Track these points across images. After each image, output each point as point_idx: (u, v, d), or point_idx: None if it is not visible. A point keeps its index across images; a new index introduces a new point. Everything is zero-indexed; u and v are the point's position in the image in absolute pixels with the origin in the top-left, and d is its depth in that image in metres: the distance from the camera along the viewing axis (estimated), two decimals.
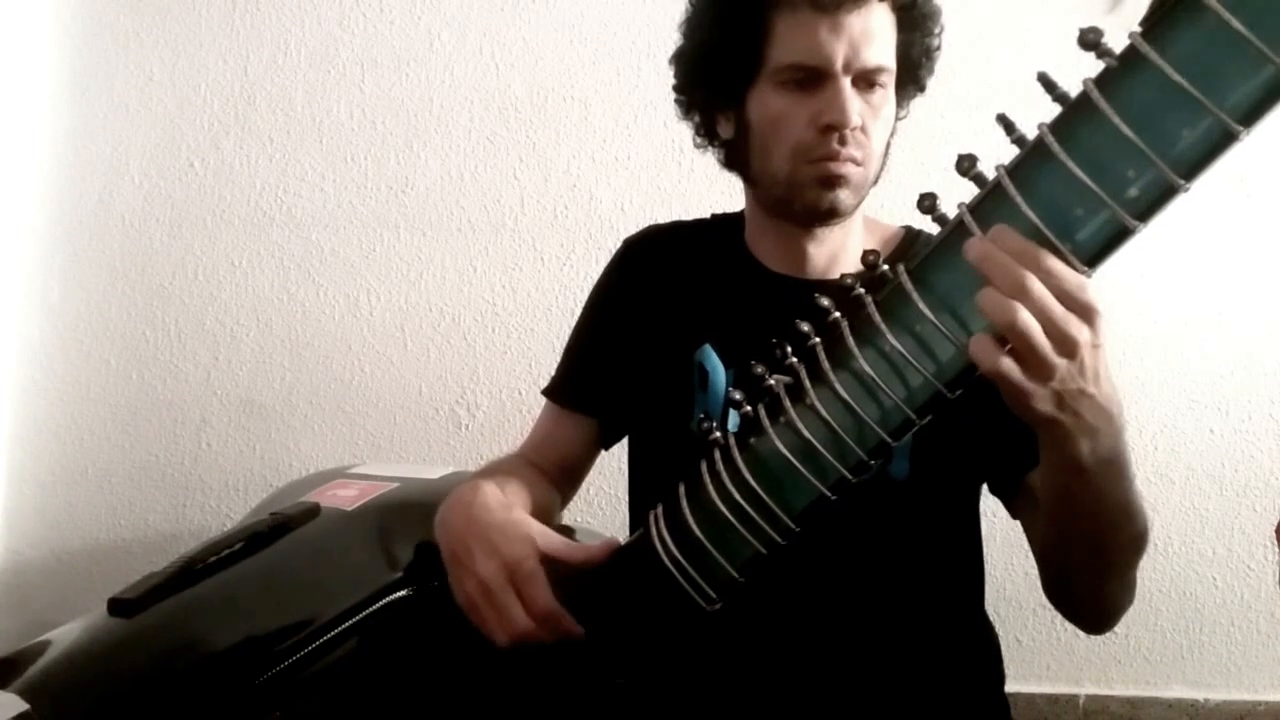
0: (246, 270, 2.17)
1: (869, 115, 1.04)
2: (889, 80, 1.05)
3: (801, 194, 1.07)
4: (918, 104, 1.15)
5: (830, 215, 1.08)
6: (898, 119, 1.12)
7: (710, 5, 1.11)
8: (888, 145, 1.11)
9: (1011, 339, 0.68)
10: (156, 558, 1.89)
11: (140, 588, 1.22)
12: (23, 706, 1.04)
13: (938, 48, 1.11)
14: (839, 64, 1.02)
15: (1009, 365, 0.69)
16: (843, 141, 1.03)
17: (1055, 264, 0.67)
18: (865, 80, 1.03)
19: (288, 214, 2.17)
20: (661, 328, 1.16)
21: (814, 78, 1.03)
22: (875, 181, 1.11)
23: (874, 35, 1.02)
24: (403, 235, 2.16)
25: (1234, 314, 2.06)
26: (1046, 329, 0.68)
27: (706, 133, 1.17)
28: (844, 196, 1.06)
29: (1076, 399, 0.74)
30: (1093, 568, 0.96)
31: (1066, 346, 0.69)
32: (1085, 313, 0.69)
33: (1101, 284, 0.68)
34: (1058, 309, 0.68)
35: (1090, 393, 0.74)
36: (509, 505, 0.98)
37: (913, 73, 1.09)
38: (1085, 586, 0.99)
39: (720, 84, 1.11)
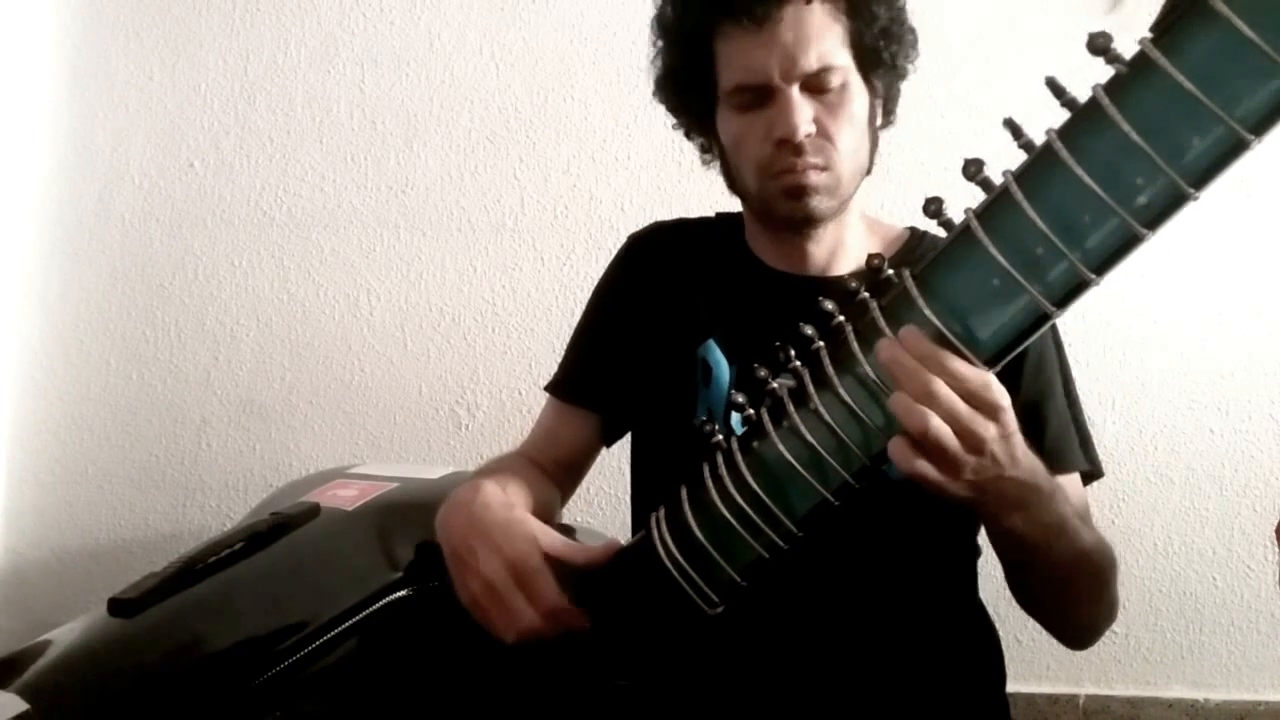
0: (246, 270, 2.17)
1: (827, 116, 1.03)
2: (843, 76, 1.03)
3: (774, 207, 1.09)
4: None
5: (807, 223, 1.08)
6: (887, 104, 1.11)
7: (663, 41, 1.13)
8: (875, 136, 1.10)
9: (924, 443, 0.73)
10: (156, 558, 1.89)
11: (140, 588, 1.21)
12: (23, 706, 1.04)
13: (901, 23, 1.08)
14: (777, 77, 1.02)
15: (924, 466, 0.75)
16: (798, 151, 1.03)
17: (959, 365, 0.72)
18: (814, 84, 1.02)
19: (288, 214, 2.16)
20: (665, 323, 1.17)
21: (760, 95, 1.04)
22: (867, 172, 1.11)
23: (810, 38, 1.01)
24: (403, 235, 2.16)
25: (1234, 314, 2.06)
26: (955, 429, 0.73)
27: (707, 150, 1.19)
28: (815, 203, 1.05)
29: (995, 483, 0.79)
30: (1057, 605, 1.02)
31: (974, 444, 0.74)
32: (990, 410, 0.74)
33: (1101, 283, 0.68)
34: (963, 410, 0.73)
35: (1008, 476, 0.78)
36: (510, 504, 0.98)
37: (874, 57, 1.06)
38: (1054, 617, 1.05)
39: (690, 113, 1.14)
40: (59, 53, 2.16)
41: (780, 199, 1.07)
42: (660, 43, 1.13)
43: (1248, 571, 2.09)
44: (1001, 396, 0.75)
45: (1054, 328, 1.11)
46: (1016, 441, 0.78)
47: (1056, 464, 1.08)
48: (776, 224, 1.12)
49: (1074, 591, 0.99)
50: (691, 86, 1.11)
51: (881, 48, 1.06)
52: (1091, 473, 1.12)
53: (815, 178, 1.04)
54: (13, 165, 2.14)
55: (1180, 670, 2.11)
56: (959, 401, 0.73)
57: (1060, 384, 1.11)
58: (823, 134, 1.03)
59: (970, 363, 0.73)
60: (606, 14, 2.09)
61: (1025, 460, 0.80)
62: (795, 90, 1.02)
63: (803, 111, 1.01)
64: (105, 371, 2.19)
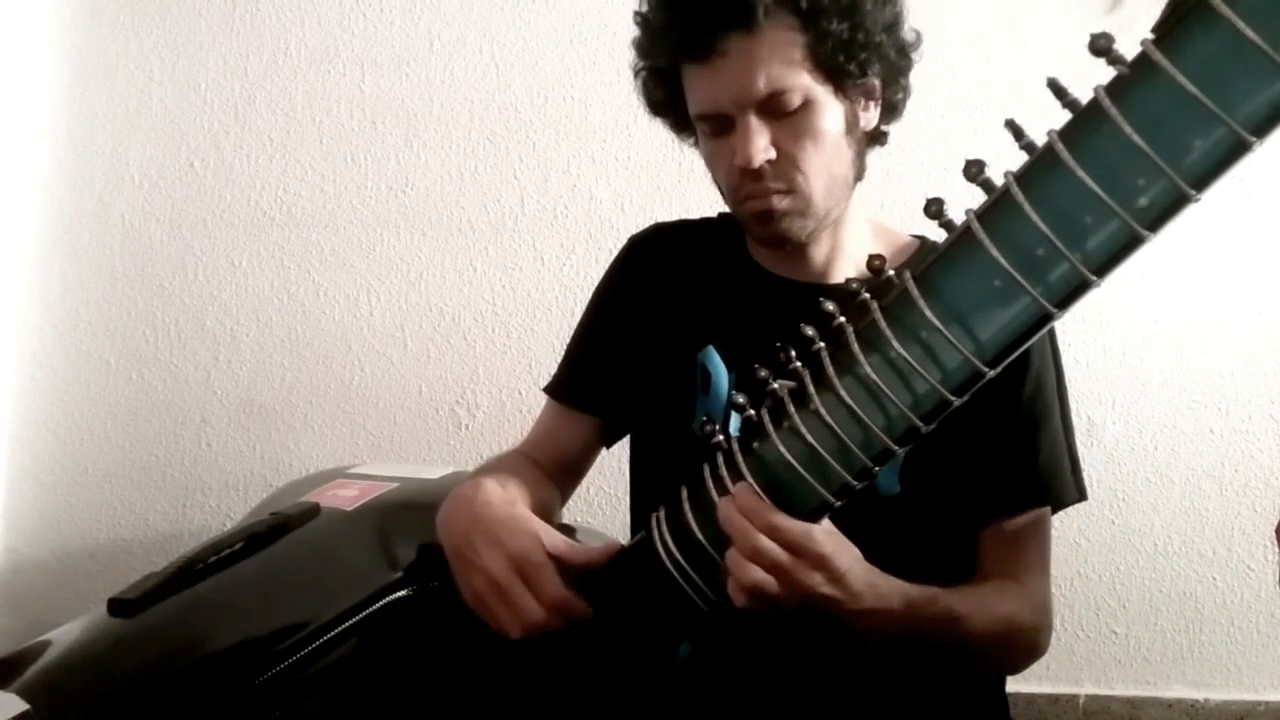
0: (246, 270, 2.17)
1: (788, 138, 1.02)
2: (803, 95, 1.00)
3: (749, 229, 1.11)
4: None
5: (781, 244, 1.08)
6: (887, 106, 1.10)
7: (641, 72, 1.13)
8: (860, 144, 1.08)
9: (757, 596, 0.80)
10: (156, 558, 1.89)
11: (140, 588, 1.21)
12: (23, 706, 1.04)
13: (868, 30, 1.02)
14: (730, 106, 1.01)
15: (762, 607, 0.81)
16: (758, 177, 1.02)
17: (780, 520, 0.79)
18: (772, 107, 1.00)
19: (288, 214, 2.16)
20: (665, 327, 1.17)
21: (721, 122, 1.03)
22: (858, 179, 1.10)
23: (758, 64, 0.99)
24: (403, 235, 2.16)
25: (1234, 314, 2.06)
26: (782, 580, 0.80)
27: None
28: (785, 225, 1.05)
29: (838, 615, 0.85)
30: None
31: (802, 591, 0.81)
32: (813, 560, 0.80)
33: (1102, 285, 0.67)
34: (786, 563, 0.79)
35: (849, 609, 0.84)
36: (512, 501, 0.99)
37: (838, 70, 1.02)
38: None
39: (679, 133, 1.15)
40: (59, 53, 2.16)
41: (752, 222, 1.08)
42: (638, 71, 1.13)
43: (1248, 571, 2.09)
44: (824, 545, 0.81)
45: (1055, 349, 1.12)
46: (852, 579, 0.83)
47: (1046, 495, 1.10)
48: (758, 242, 1.13)
49: (972, 661, 1.05)
50: (673, 112, 1.12)
51: (842, 61, 1.01)
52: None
53: (780, 202, 1.03)
54: (13, 165, 2.14)
55: (1180, 670, 2.11)
56: (782, 555, 0.79)
57: (1057, 410, 1.11)
58: (785, 156, 1.02)
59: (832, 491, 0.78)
60: (606, 15, 2.09)
61: (869, 590, 0.85)
62: (751, 117, 1.00)
63: (758, 139, 1.00)
64: (105, 371, 2.18)
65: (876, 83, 1.07)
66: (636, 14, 1.10)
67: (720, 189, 1.12)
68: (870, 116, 1.09)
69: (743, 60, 0.99)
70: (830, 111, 1.03)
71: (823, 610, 0.83)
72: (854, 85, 1.04)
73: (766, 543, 0.79)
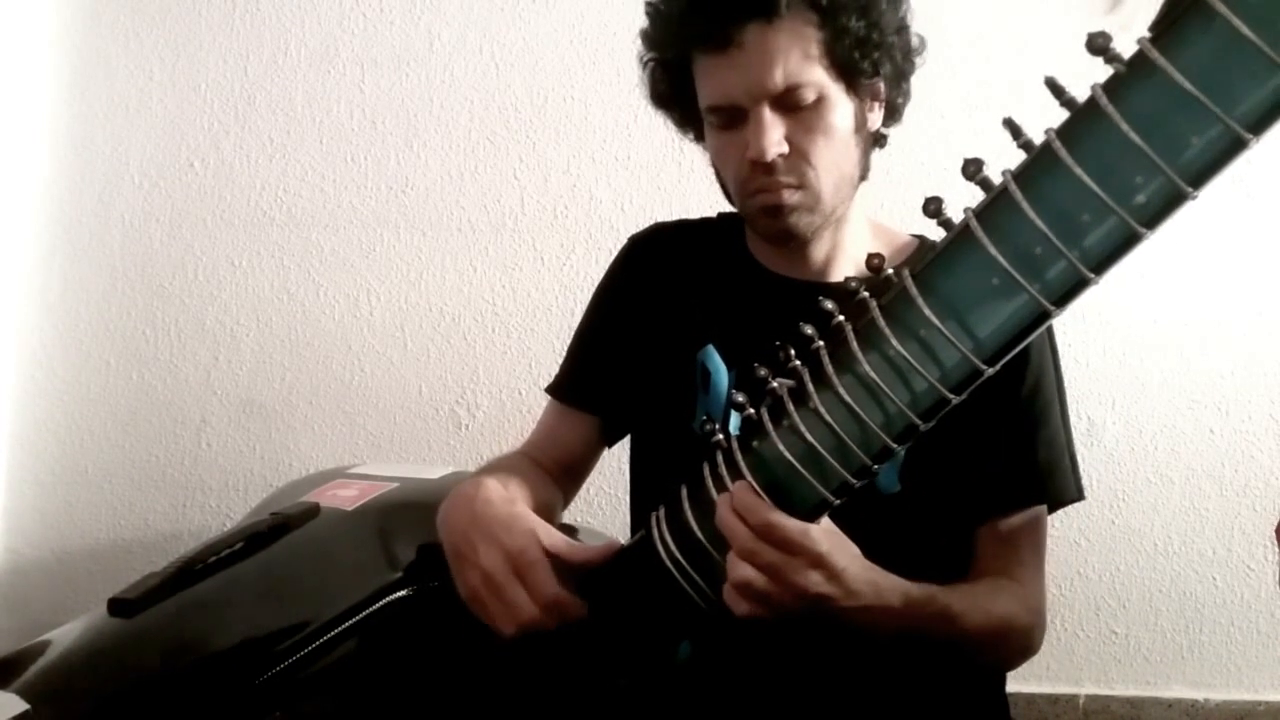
0: (246, 270, 2.17)
1: (801, 133, 1.02)
2: (817, 91, 1.01)
3: (755, 224, 1.10)
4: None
5: (787, 239, 1.08)
6: (890, 107, 1.10)
7: (649, 61, 1.12)
8: (867, 143, 1.09)
9: (753, 595, 0.79)
10: (156, 558, 1.89)
11: (140, 588, 1.21)
12: (23, 706, 1.04)
13: (882, 30, 1.03)
14: (745, 98, 1.01)
15: (756, 609, 0.80)
16: (770, 170, 1.02)
17: (777, 518, 0.78)
18: (785, 101, 1.01)
19: (288, 214, 2.17)
20: (665, 327, 1.17)
21: (734, 115, 1.03)
22: (862, 178, 1.10)
23: (775, 58, 0.99)
24: (403, 235, 2.16)
25: (1234, 314, 2.06)
26: (777, 579, 0.79)
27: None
28: (793, 220, 1.05)
29: (837, 614, 0.84)
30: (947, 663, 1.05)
31: (799, 590, 0.80)
32: (811, 558, 0.80)
33: (1100, 282, 0.67)
34: (781, 562, 0.79)
35: (845, 606, 0.83)
36: (511, 500, 0.99)
37: (852, 68, 1.02)
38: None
39: (683, 126, 1.15)
40: (59, 53, 2.16)
41: (759, 217, 1.07)
42: (646, 61, 1.13)
43: (1248, 571, 2.09)
44: (821, 543, 0.80)
45: (1054, 348, 1.12)
46: (850, 577, 0.82)
47: (1043, 493, 1.10)
48: (764, 238, 1.13)
49: (966, 658, 1.04)
50: (678, 105, 1.12)
51: (857, 59, 1.02)
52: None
53: (790, 196, 1.03)
54: (13, 165, 2.14)
55: (1180, 670, 2.11)
56: (774, 554, 0.78)
57: (1056, 409, 1.11)
58: (797, 151, 1.02)
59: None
60: (606, 14, 2.09)
61: (868, 588, 0.84)
62: (765, 110, 1.00)
63: (772, 132, 1.00)
64: (105, 371, 2.19)
65: (883, 84, 1.08)
66: (648, 4, 1.09)
67: (724, 183, 1.12)
68: (875, 117, 1.10)
69: (760, 52, 0.99)
70: (841, 108, 1.04)
71: (821, 609, 0.82)
72: (864, 84, 1.05)
73: (760, 541, 0.78)
